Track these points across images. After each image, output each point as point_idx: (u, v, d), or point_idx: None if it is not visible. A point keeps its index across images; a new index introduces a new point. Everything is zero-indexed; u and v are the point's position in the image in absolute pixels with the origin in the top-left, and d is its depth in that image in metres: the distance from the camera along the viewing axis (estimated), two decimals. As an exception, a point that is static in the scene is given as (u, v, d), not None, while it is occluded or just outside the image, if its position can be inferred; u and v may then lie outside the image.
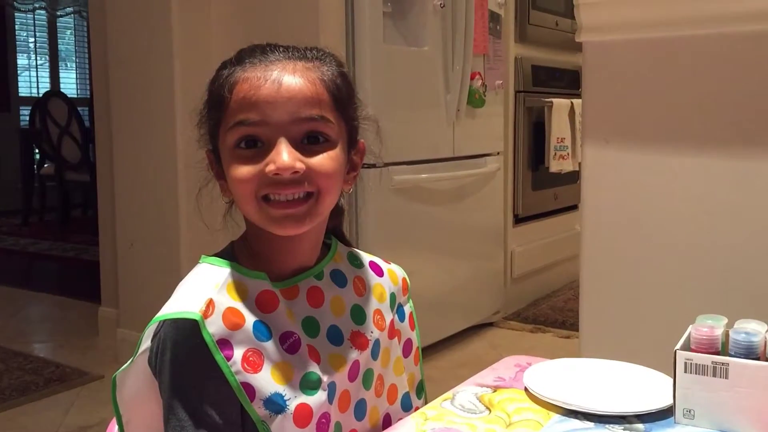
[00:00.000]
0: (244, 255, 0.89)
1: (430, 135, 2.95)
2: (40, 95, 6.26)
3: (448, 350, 2.99)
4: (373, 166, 2.69)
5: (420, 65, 2.88)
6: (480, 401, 0.99)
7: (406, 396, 0.99)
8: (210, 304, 0.81)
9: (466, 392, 1.02)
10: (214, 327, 0.80)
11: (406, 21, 2.83)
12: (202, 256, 0.88)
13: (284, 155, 0.81)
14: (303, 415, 0.83)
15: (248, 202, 0.84)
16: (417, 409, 1.02)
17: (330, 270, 0.93)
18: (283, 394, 0.82)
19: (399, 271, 1.03)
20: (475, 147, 3.18)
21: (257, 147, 0.83)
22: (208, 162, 0.91)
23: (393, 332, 0.98)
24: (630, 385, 1.02)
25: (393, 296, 1.00)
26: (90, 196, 5.25)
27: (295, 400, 0.82)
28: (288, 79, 0.82)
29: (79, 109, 5.63)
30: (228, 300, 0.83)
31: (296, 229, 0.85)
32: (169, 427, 0.80)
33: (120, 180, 2.83)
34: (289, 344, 0.84)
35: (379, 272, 1.00)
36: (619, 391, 1.01)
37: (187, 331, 0.80)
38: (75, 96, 7.36)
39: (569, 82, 3.82)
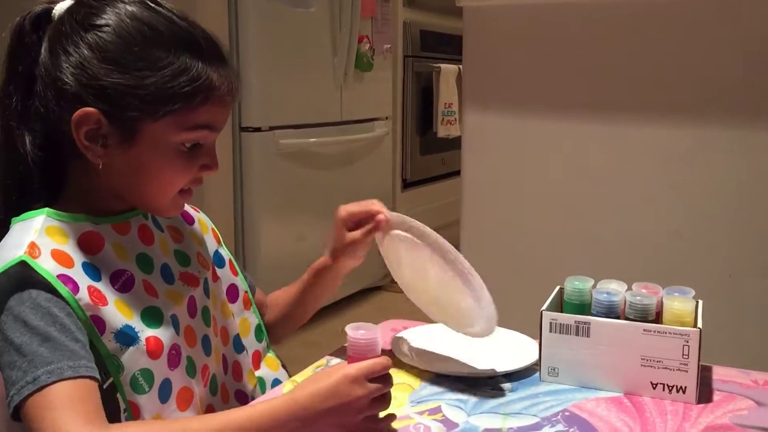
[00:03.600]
0: (69, 202, 0.84)
1: (317, 98, 2.91)
2: None
3: (335, 314, 2.99)
4: (259, 129, 2.67)
5: (307, 27, 2.82)
6: (354, 366, 0.99)
7: (237, 338, 0.99)
8: (33, 246, 0.77)
9: (341, 358, 1.01)
10: (47, 264, 0.76)
11: (291, -20, 2.76)
12: (12, 219, 0.82)
13: (216, 158, 0.86)
14: (155, 347, 0.81)
15: (168, 193, 0.84)
16: (258, 353, 1.01)
17: (151, 214, 0.92)
18: (134, 326, 0.80)
19: (207, 221, 1.03)
20: (363, 111, 3.17)
21: (196, 146, 0.83)
22: (89, 125, 0.78)
23: (215, 276, 0.97)
24: (499, 348, 1.04)
25: (206, 243, 0.99)
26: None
27: (144, 332, 0.81)
28: (236, 90, 0.84)
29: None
30: (51, 242, 0.78)
31: (183, 209, 0.91)
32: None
33: None
34: (121, 283, 0.82)
35: (190, 219, 0.99)
36: (488, 353, 1.03)
37: (18, 275, 0.75)
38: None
39: (457, 47, 3.82)
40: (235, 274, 1.02)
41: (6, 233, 0.81)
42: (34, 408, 0.70)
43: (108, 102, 0.77)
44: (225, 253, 1.01)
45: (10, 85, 0.82)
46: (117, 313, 0.79)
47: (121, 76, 0.77)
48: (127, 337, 0.79)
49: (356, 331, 0.78)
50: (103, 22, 0.78)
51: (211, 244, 1.00)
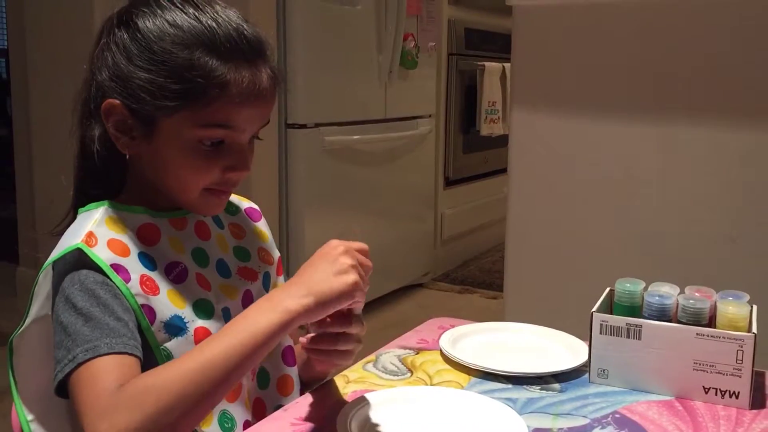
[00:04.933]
0: (131, 195, 0.87)
1: (362, 96, 2.93)
2: (-47, 44, 5.90)
3: (377, 311, 3.01)
4: (304, 126, 2.69)
5: (353, 24, 2.84)
6: (403, 363, 1.00)
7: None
8: (90, 235, 0.79)
9: (389, 354, 1.03)
10: (102, 253, 0.78)
11: (338, -22, 2.78)
12: (79, 209, 0.85)
13: (249, 163, 0.84)
14: (203, 338, 0.82)
15: (191, 190, 0.83)
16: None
17: None
18: (183, 317, 0.81)
19: None
20: (407, 109, 3.17)
21: (218, 145, 0.82)
22: (115, 116, 0.81)
23: (280, 270, 0.99)
24: (548, 349, 1.04)
25: (272, 240, 1.00)
26: (8, 151, 5.01)
27: (193, 323, 0.82)
28: (266, 91, 0.82)
29: (-4, 59, 5.36)
30: (108, 232, 0.81)
31: (220, 210, 0.90)
32: (57, 346, 0.74)
33: (37, 135, 2.71)
34: (175, 274, 0.83)
35: (257, 217, 1.00)
36: (537, 353, 1.03)
37: (75, 260, 0.77)
38: (-9, 46, 6.97)
39: (502, 45, 3.83)
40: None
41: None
42: (73, 386, 0.72)
43: (126, 95, 0.80)
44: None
45: (87, 80, 0.85)
46: (168, 302, 0.80)
47: (135, 70, 0.79)
48: (175, 328, 0.80)
49: None
50: (137, 20, 0.80)
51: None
